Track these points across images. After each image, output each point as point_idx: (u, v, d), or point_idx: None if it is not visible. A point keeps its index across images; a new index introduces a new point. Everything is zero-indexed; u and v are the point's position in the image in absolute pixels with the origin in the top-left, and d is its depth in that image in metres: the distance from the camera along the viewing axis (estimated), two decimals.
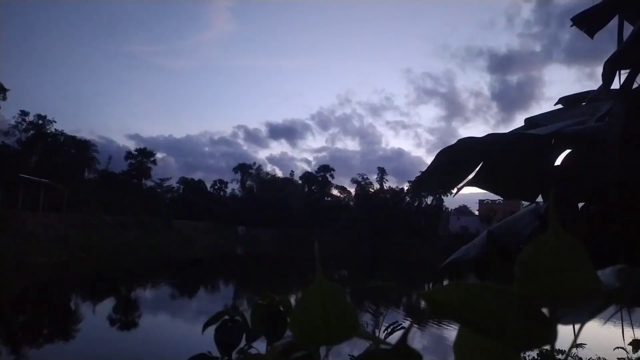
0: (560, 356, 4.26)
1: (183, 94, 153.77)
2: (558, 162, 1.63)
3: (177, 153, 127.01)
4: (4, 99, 38.41)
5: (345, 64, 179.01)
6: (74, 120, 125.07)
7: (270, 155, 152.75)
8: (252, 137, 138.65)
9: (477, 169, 1.61)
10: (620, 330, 2.04)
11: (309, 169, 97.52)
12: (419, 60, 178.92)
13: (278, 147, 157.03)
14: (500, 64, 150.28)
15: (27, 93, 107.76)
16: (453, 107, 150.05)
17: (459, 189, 1.66)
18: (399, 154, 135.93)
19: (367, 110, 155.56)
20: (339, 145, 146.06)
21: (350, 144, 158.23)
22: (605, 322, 0.46)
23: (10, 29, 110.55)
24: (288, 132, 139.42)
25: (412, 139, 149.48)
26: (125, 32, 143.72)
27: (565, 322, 0.37)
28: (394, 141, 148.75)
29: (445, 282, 0.37)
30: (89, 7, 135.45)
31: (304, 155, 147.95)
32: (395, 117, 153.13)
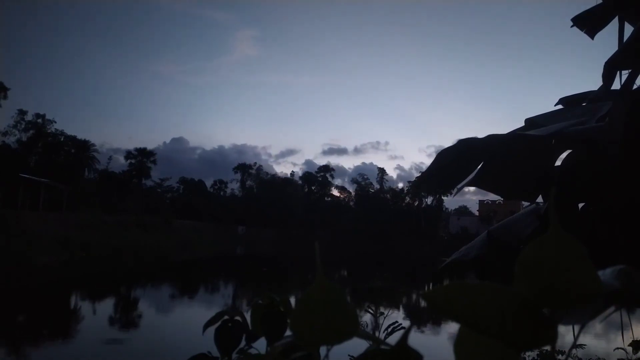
0: (560, 356, 4.26)
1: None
2: (558, 162, 1.63)
3: None
4: (5, 97, 38.49)
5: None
6: (118, 138, 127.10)
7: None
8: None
9: (477, 169, 1.61)
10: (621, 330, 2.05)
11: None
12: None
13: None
14: None
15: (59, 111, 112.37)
16: None
17: (459, 189, 1.66)
18: None
19: None
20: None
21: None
22: (602, 321, 0.46)
23: (45, 41, 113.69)
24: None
25: None
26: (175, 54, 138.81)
27: (566, 323, 0.37)
28: None
29: (446, 282, 0.37)
30: (126, 27, 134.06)
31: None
32: None
